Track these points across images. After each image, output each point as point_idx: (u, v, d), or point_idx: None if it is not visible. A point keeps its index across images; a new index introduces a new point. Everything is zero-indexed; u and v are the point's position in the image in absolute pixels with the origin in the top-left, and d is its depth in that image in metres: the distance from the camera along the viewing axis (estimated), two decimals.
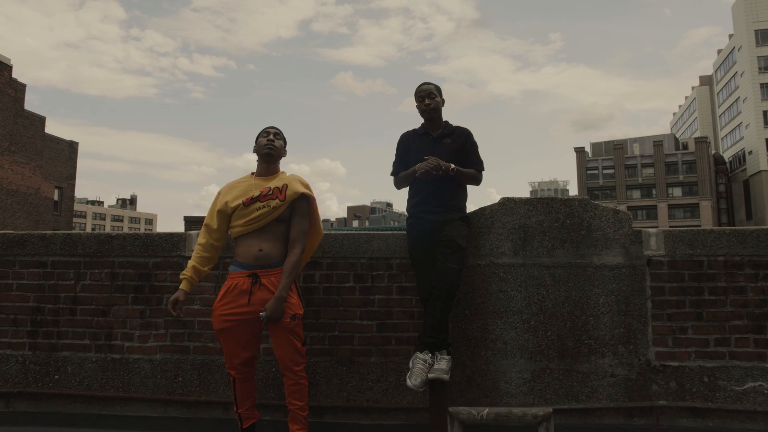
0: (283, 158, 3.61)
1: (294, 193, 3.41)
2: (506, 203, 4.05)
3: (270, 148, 3.48)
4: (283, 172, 3.59)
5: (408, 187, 4.00)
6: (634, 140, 76.90)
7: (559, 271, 3.94)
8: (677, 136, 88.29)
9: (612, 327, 3.88)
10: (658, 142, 73.03)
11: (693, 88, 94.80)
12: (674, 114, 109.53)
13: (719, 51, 79.06)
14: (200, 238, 3.49)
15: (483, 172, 3.98)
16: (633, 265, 3.93)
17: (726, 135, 77.24)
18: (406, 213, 4.00)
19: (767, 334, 3.85)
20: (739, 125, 71.83)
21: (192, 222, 34.62)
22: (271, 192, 3.42)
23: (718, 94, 80.00)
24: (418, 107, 3.96)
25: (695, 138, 75.02)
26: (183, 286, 3.38)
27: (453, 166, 3.75)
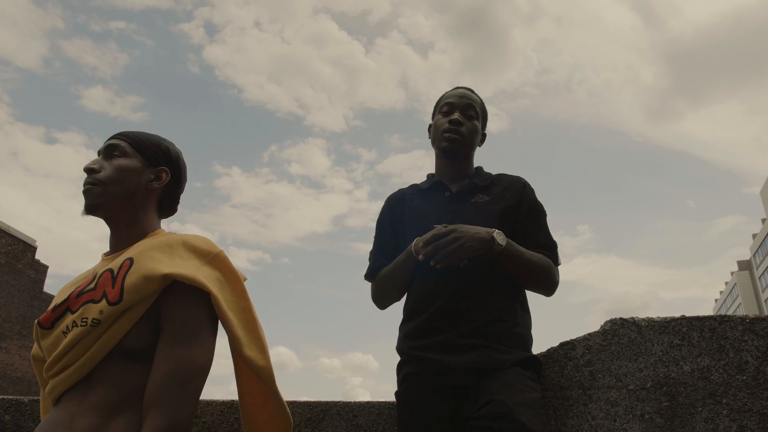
0: (170, 208, 1.58)
1: (144, 279, 1.29)
2: (621, 332, 1.84)
3: (87, 187, 1.42)
4: (159, 231, 1.49)
5: (403, 300, 1.89)
6: None
7: None
8: None
9: None
10: None
11: (732, 273, 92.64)
12: (716, 300, 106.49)
13: (754, 235, 78.43)
14: None
15: (560, 268, 1.86)
16: None
17: None
18: (398, 355, 1.82)
19: None
20: None
21: None
22: (92, 284, 1.34)
23: (759, 278, 77.94)
24: (434, 130, 1.98)
25: None
26: None
27: (498, 232, 1.66)
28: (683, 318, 1.82)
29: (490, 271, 1.71)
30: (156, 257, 1.32)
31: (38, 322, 1.34)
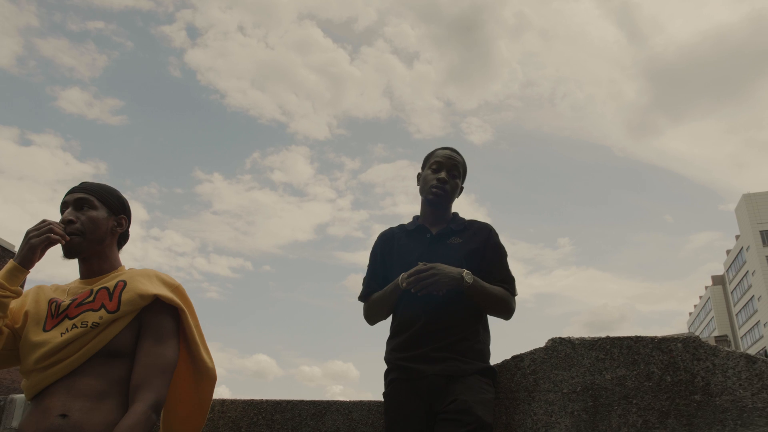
0: (123, 242, 2.03)
1: (137, 296, 1.78)
2: (558, 348, 2.37)
3: (68, 235, 1.85)
4: (123, 267, 1.97)
5: (389, 319, 2.38)
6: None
7: None
8: (697, 335, 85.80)
9: None
10: None
11: (707, 287, 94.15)
12: (690, 314, 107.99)
13: (728, 251, 79.77)
14: None
15: (515, 298, 2.38)
16: None
17: (745, 333, 75.06)
18: (385, 363, 2.32)
19: None
20: (757, 323, 70.06)
21: None
22: (91, 298, 1.79)
23: (732, 292, 79.29)
24: (423, 182, 2.48)
25: (715, 337, 72.36)
26: None
27: (467, 272, 2.17)
28: (607, 338, 2.35)
29: (458, 301, 2.21)
30: (143, 282, 1.82)
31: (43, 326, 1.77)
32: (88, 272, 1.90)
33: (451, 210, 2.48)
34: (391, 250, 2.43)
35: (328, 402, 2.42)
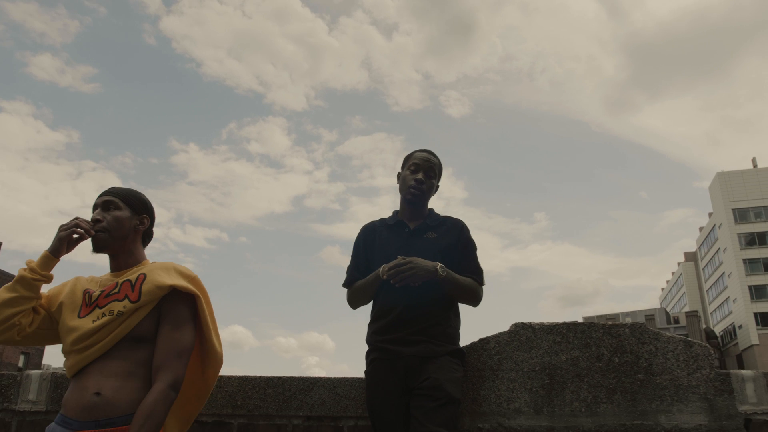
0: (147, 240, 2.27)
1: (155, 287, 2.01)
2: (520, 332, 2.66)
3: (96, 231, 2.10)
4: (147, 261, 2.21)
5: (370, 304, 2.65)
6: (626, 314, 75.74)
7: None
8: (668, 310, 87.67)
9: None
10: (650, 316, 71.72)
11: (679, 263, 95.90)
12: (662, 289, 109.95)
13: (701, 228, 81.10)
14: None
15: (483, 288, 2.66)
16: (722, 429, 2.47)
17: (715, 309, 76.79)
18: (367, 344, 2.60)
19: None
20: (726, 300, 71.64)
21: None
22: (117, 289, 2.03)
23: (703, 269, 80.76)
24: (402, 182, 2.73)
25: (686, 312, 74.16)
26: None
27: (441, 266, 2.44)
28: (564, 323, 2.65)
29: (432, 291, 2.49)
30: (162, 274, 2.05)
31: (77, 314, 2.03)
32: (116, 266, 2.14)
33: (427, 207, 2.75)
34: (373, 243, 2.69)
35: (314, 378, 2.69)
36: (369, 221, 2.83)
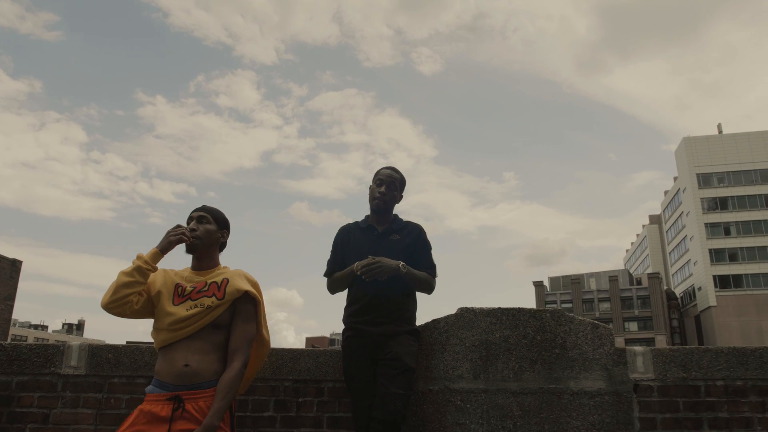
0: (222, 248, 2.89)
1: (236, 290, 2.67)
2: (464, 314, 3.36)
3: (192, 238, 2.73)
4: (225, 267, 2.85)
5: (346, 292, 3.31)
6: (591, 275, 77.80)
7: (529, 399, 3.20)
8: (631, 271, 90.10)
9: None
10: (613, 277, 74.00)
11: (644, 226, 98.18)
12: (627, 250, 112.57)
13: (666, 192, 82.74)
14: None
15: (436, 279, 3.33)
16: (617, 392, 3.22)
17: (676, 271, 79.09)
18: (343, 324, 3.27)
19: None
20: (687, 262, 73.73)
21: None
22: (206, 288, 2.68)
23: (667, 232, 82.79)
24: (370, 193, 3.36)
25: (648, 274, 76.47)
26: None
27: (402, 264, 3.10)
28: (499, 308, 3.36)
29: (395, 283, 3.15)
30: (239, 280, 2.71)
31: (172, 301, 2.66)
32: (198, 266, 2.78)
33: (392, 213, 3.40)
34: (348, 242, 3.35)
35: (302, 350, 3.37)
36: (345, 224, 3.48)
